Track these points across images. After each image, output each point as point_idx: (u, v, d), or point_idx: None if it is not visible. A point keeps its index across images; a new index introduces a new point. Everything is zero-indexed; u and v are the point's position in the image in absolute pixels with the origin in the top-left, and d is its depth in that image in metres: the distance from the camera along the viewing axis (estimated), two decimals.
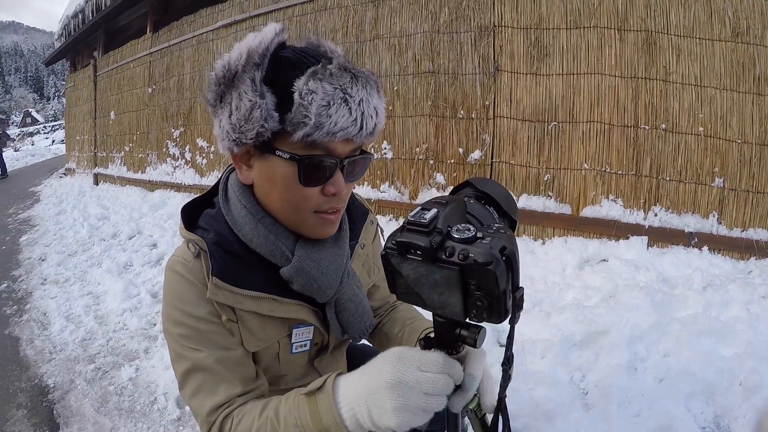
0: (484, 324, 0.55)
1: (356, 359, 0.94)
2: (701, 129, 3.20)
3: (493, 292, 0.49)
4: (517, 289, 0.51)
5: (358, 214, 1.03)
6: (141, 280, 4.10)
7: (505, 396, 0.67)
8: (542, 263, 3.23)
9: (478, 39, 3.83)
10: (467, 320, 0.56)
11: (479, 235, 0.51)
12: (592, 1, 3.41)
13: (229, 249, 0.83)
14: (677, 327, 2.33)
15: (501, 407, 0.68)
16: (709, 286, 2.67)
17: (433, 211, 0.53)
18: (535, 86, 3.64)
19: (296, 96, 0.69)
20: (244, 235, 0.83)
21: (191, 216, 0.89)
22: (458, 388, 0.64)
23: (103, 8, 8.90)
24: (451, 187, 3.56)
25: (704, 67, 3.17)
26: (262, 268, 0.84)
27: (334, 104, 0.69)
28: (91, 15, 9.41)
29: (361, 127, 0.72)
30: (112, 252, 5.10)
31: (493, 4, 3.75)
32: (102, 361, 2.95)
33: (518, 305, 0.52)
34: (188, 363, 0.81)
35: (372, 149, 4.45)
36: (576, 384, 2.19)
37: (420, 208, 0.55)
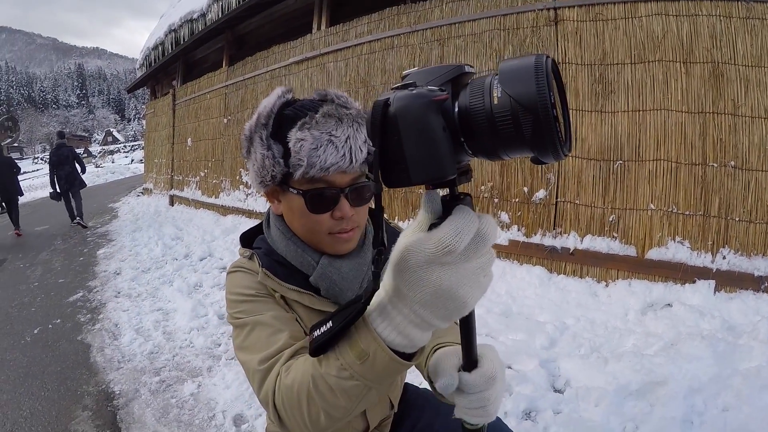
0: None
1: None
2: None
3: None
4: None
5: (388, 235, 1.07)
6: (209, 301, 4.26)
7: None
8: (604, 306, 3.16)
9: None
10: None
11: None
12: (657, 34, 3.37)
13: (276, 259, 0.99)
14: (739, 380, 2.22)
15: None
16: None
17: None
18: (600, 124, 3.61)
19: (290, 145, 0.86)
20: (281, 251, 0.99)
21: (248, 241, 1.09)
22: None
23: (182, 42, 9.55)
24: (515, 226, 3.51)
25: None
26: (302, 275, 0.98)
27: (321, 146, 0.84)
28: (170, 48, 10.09)
29: (351, 160, 0.86)
30: (183, 272, 5.32)
31: (557, 40, 3.77)
32: (167, 375, 3.10)
33: None
34: (248, 327, 0.89)
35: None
36: None
37: None
